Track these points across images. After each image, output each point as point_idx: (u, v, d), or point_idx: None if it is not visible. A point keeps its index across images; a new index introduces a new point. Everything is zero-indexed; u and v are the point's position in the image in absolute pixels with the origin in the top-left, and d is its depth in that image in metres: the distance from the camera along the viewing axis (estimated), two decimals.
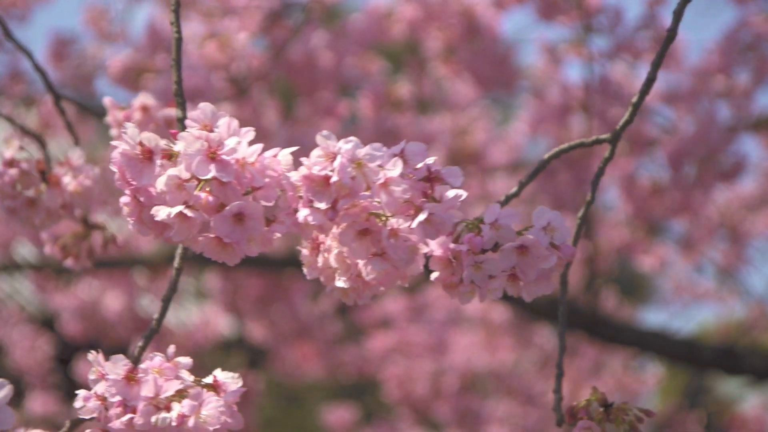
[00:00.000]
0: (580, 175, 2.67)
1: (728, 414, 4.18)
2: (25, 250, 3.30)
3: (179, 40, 1.00)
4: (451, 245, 0.86)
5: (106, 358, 0.85)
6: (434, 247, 0.87)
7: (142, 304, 3.46)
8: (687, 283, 4.04)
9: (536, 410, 3.66)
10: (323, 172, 0.80)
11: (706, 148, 2.48)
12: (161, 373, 0.83)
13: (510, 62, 2.70)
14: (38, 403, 3.49)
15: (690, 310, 4.72)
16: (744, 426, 3.97)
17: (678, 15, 1.02)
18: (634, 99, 1.01)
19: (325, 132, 0.81)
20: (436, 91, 2.84)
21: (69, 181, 1.16)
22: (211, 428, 0.82)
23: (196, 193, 0.79)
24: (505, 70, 2.70)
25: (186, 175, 0.79)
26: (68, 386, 3.60)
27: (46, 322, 3.66)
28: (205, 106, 0.82)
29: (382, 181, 0.80)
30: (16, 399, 3.53)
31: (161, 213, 0.79)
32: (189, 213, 0.79)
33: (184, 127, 0.89)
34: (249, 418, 3.19)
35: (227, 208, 0.79)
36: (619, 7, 2.54)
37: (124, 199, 0.83)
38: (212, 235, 0.81)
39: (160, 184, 0.79)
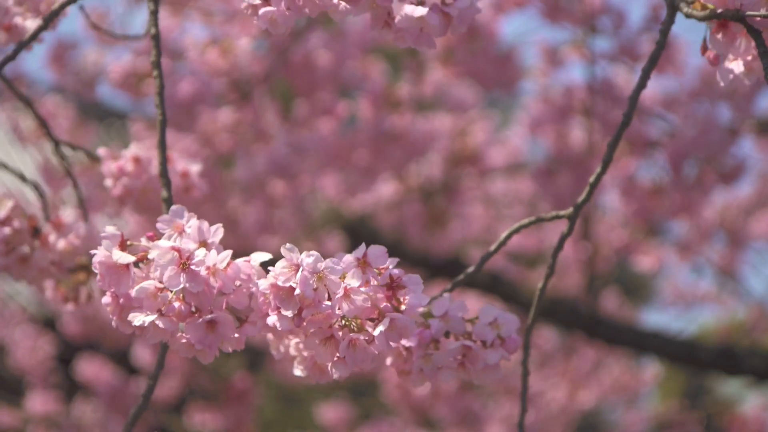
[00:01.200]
0: (581, 177, 2.67)
1: (728, 414, 4.18)
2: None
3: (164, 121, 1.06)
4: (403, 341, 0.93)
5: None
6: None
7: None
8: (687, 285, 4.04)
9: (536, 410, 3.66)
10: (288, 284, 0.86)
11: (707, 150, 2.48)
12: None
13: (510, 64, 2.70)
14: (39, 402, 3.50)
15: (690, 312, 4.72)
16: (744, 426, 3.97)
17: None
18: (597, 171, 1.04)
19: (288, 245, 0.87)
20: (435, 92, 2.84)
21: (56, 240, 1.20)
22: None
23: (169, 301, 0.85)
24: (505, 72, 2.70)
25: (159, 285, 0.86)
26: (69, 386, 3.61)
27: (48, 323, 3.67)
28: (176, 209, 0.88)
29: (341, 294, 0.86)
30: (17, 398, 3.54)
31: (136, 321, 0.86)
32: (161, 324, 0.85)
33: (164, 175, 1.02)
34: (248, 420, 3.20)
35: (199, 320, 0.86)
36: (622, 9, 2.54)
37: (106, 300, 0.89)
38: (184, 341, 0.87)
39: (135, 292, 0.86)
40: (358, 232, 3.12)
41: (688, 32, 2.70)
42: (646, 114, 2.63)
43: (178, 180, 1.30)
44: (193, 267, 0.84)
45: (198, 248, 0.86)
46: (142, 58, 2.37)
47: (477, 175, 3.07)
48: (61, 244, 1.19)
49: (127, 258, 0.87)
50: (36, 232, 1.19)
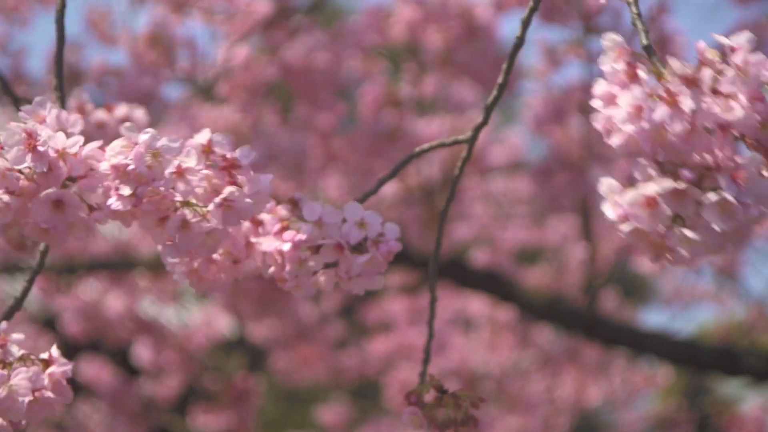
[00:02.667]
0: (578, 177, 2.67)
1: (728, 414, 4.18)
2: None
3: (62, 40, 1.06)
4: (276, 243, 0.91)
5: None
6: (265, 244, 0.93)
7: (143, 306, 3.47)
8: (686, 285, 4.05)
9: (536, 410, 3.67)
10: (124, 161, 0.85)
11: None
12: None
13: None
14: None
15: (689, 312, 4.71)
16: (744, 426, 3.98)
17: (525, 24, 1.04)
18: (489, 101, 1.06)
19: (128, 124, 0.86)
20: (435, 92, 2.84)
21: None
22: (22, 398, 0.87)
23: (14, 179, 0.85)
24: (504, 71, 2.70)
25: (9, 165, 0.85)
26: (70, 386, 3.61)
27: (48, 323, 3.67)
28: (39, 100, 0.88)
29: (174, 170, 0.85)
30: None
31: None
32: (5, 198, 0.84)
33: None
34: (249, 420, 3.20)
35: (42, 194, 0.85)
36: (619, 8, 2.54)
37: None
38: (32, 221, 0.87)
39: None
40: None
41: (688, 32, 2.70)
42: None
43: None
44: (39, 147, 0.84)
45: (50, 130, 0.86)
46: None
47: (477, 174, 3.07)
48: None
49: None
50: None
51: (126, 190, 0.85)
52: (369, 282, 0.93)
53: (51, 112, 0.87)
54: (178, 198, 0.86)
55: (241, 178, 0.87)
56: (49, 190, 0.85)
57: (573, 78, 2.79)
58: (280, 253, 0.91)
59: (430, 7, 2.62)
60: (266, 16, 2.49)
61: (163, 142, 0.85)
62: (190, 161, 0.85)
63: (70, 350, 3.58)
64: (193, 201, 0.87)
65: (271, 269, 0.93)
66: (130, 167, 0.84)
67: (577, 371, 3.66)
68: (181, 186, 0.85)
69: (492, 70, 2.69)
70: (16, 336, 0.91)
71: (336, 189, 3.00)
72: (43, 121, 0.87)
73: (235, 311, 3.30)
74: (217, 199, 0.85)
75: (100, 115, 1.28)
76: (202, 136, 0.87)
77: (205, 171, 0.85)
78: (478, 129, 1.06)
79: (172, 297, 3.47)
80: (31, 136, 0.85)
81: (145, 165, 0.84)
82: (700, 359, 2.78)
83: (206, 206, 0.86)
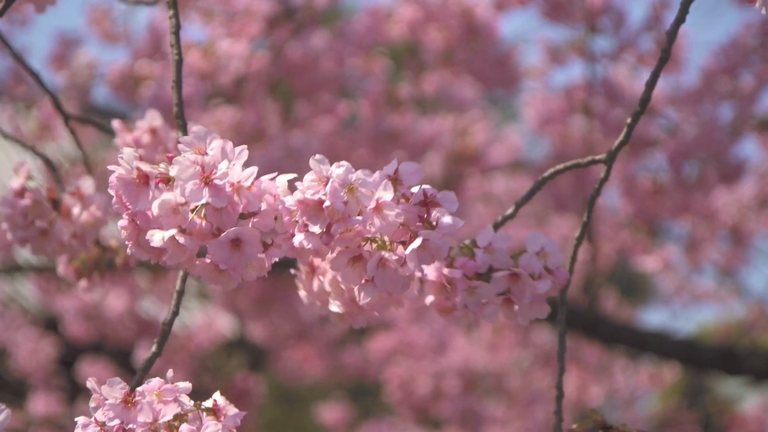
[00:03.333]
0: (581, 177, 2.67)
1: (728, 414, 4.18)
2: (26, 253, 3.31)
3: (179, 63, 0.99)
4: (445, 270, 0.86)
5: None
6: (428, 271, 0.87)
7: (144, 306, 3.46)
8: (687, 284, 4.04)
9: (536, 410, 3.66)
10: (316, 197, 0.80)
11: (708, 149, 2.48)
12: (160, 396, 0.82)
13: (511, 63, 2.70)
14: (41, 404, 3.49)
15: (690, 311, 4.71)
16: (744, 426, 3.97)
17: (672, 36, 1.02)
18: (629, 120, 1.01)
19: (318, 156, 0.81)
20: (436, 92, 2.84)
21: (79, 212, 1.14)
22: None
23: (191, 218, 0.79)
24: (505, 71, 2.70)
25: (181, 200, 0.79)
26: (71, 388, 3.61)
27: (49, 324, 3.66)
28: (198, 130, 0.82)
29: (374, 206, 0.80)
30: (20, 400, 3.53)
31: (155, 237, 0.79)
32: (180, 239, 0.79)
33: None
34: (250, 420, 3.20)
35: (224, 234, 0.79)
36: (622, 8, 2.54)
37: (122, 223, 0.83)
38: (208, 261, 0.81)
39: (155, 208, 0.79)
40: None
41: (693, 33, 2.69)
42: (648, 113, 2.63)
43: None
44: (216, 181, 0.78)
45: (222, 161, 0.79)
46: (141, 58, 2.37)
47: (478, 173, 3.07)
48: (84, 216, 1.13)
49: (148, 167, 0.80)
50: (55, 203, 1.13)
51: (317, 228, 0.79)
52: (539, 311, 0.89)
53: (215, 142, 0.80)
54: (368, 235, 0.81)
55: (433, 214, 0.82)
56: (232, 230, 0.79)
57: (575, 77, 2.79)
58: (450, 281, 0.86)
59: (430, 7, 2.61)
60: (268, 16, 2.48)
61: (357, 175, 0.80)
62: (387, 195, 0.80)
63: (71, 351, 3.59)
64: (378, 237, 0.81)
65: (430, 299, 0.88)
66: (326, 204, 0.79)
67: (579, 371, 3.66)
68: (377, 222, 0.80)
69: (493, 68, 2.69)
70: (183, 385, 0.83)
71: None
72: (204, 154, 0.80)
73: (236, 311, 3.30)
74: (416, 243, 0.80)
75: (153, 121, 1.21)
76: (390, 168, 0.81)
77: (399, 207, 0.80)
78: (617, 149, 1.01)
79: (173, 297, 3.46)
80: (205, 169, 0.79)
81: (342, 201, 0.79)
82: (701, 358, 2.78)
83: (391, 242, 0.81)
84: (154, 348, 0.94)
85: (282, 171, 0.84)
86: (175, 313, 0.95)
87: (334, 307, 0.87)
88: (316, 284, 0.89)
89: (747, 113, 2.63)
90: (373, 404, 4.08)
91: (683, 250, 3.48)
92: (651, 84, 1.00)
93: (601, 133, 2.61)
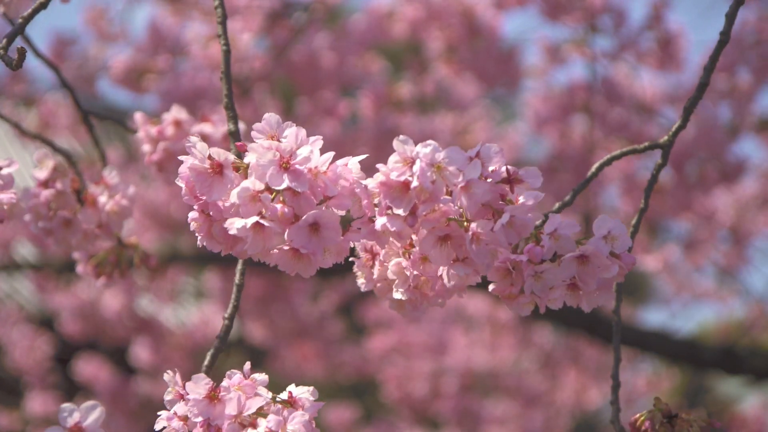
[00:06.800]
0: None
1: (728, 414, 4.18)
2: (24, 250, 3.30)
3: (228, 53, 0.98)
4: (511, 255, 0.83)
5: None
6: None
7: (141, 304, 3.46)
8: (687, 283, 4.04)
9: (537, 410, 3.66)
10: (402, 178, 0.78)
11: (708, 149, 2.48)
12: (242, 390, 0.82)
13: (512, 62, 2.69)
14: (38, 403, 3.49)
15: (690, 310, 4.71)
16: (744, 426, 3.97)
17: (731, 18, 1.00)
18: (687, 104, 0.99)
19: (402, 137, 0.79)
20: (437, 90, 2.83)
21: (106, 201, 1.13)
22: None
23: (271, 204, 0.78)
24: (506, 70, 2.70)
25: (260, 187, 0.78)
26: (68, 386, 3.60)
27: (46, 322, 3.66)
28: (269, 117, 0.80)
29: (463, 184, 0.78)
30: (16, 399, 3.51)
31: (236, 224, 0.78)
32: (266, 223, 0.77)
33: (237, 140, 0.90)
34: None
35: (304, 217, 0.78)
36: (623, 7, 2.53)
37: (193, 215, 0.82)
38: (287, 247, 0.79)
39: (234, 196, 0.78)
40: None
41: (690, 32, 2.69)
42: (648, 112, 2.63)
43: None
44: (296, 166, 0.77)
45: (299, 147, 0.79)
46: (142, 54, 2.37)
47: None
48: (110, 204, 1.12)
49: (223, 156, 0.79)
50: (79, 194, 1.12)
51: (401, 210, 0.78)
52: (606, 295, 0.87)
53: (290, 129, 0.80)
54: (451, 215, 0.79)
55: (516, 192, 0.80)
56: (311, 213, 0.78)
57: (576, 76, 2.78)
58: (515, 266, 0.84)
59: (432, 6, 2.61)
60: (269, 13, 2.48)
61: (445, 153, 0.78)
62: (475, 174, 0.78)
63: (68, 349, 3.58)
64: (462, 217, 0.80)
65: (493, 286, 0.85)
66: (414, 184, 0.77)
67: (578, 372, 3.66)
68: (464, 200, 0.78)
69: (494, 67, 2.68)
70: (260, 377, 0.83)
71: None
72: (277, 140, 0.79)
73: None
74: (504, 219, 0.78)
75: (205, 128, 1.21)
76: (473, 151, 0.79)
77: (486, 185, 0.78)
78: (675, 133, 0.99)
79: (170, 296, 3.46)
80: (283, 154, 0.78)
81: (430, 181, 0.77)
82: (701, 358, 2.77)
83: (471, 221, 0.79)
84: (216, 343, 0.93)
85: None
86: (236, 307, 0.95)
87: (398, 294, 0.85)
88: (377, 271, 0.87)
89: (746, 112, 2.62)
90: (372, 403, 4.08)
91: (683, 250, 3.48)
92: (710, 68, 1.00)
93: (601, 132, 2.60)
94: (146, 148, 1.21)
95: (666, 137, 0.99)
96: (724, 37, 1.00)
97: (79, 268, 1.23)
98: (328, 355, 3.56)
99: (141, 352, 3.30)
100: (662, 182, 2.64)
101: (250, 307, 3.15)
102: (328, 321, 3.43)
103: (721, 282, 3.97)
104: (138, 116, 1.22)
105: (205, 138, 1.18)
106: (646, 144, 1.00)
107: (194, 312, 3.80)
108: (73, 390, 3.53)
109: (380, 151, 2.63)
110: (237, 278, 0.95)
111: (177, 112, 1.20)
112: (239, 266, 0.95)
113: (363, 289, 0.88)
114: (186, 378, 0.83)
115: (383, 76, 2.72)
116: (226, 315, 0.93)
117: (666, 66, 2.58)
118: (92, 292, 3.22)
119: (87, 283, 3.21)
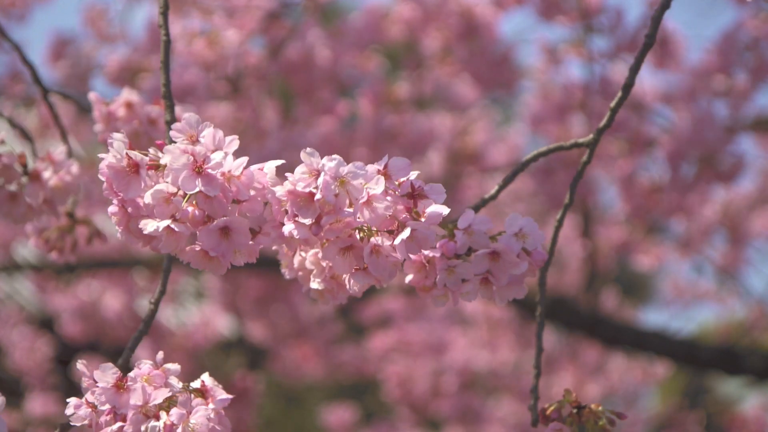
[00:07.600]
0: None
1: (728, 414, 4.17)
2: (25, 251, 3.30)
3: (168, 43, 1.01)
4: (425, 251, 0.87)
5: (101, 362, 0.85)
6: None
7: (142, 305, 3.46)
8: (687, 284, 4.04)
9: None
10: (307, 189, 0.82)
11: (705, 148, 2.48)
12: (150, 380, 0.84)
13: (509, 62, 2.70)
14: (38, 404, 3.49)
15: (690, 311, 4.71)
16: (744, 426, 3.97)
17: (656, 21, 1.02)
18: (612, 104, 1.02)
19: (308, 149, 0.82)
20: (435, 91, 2.84)
21: (49, 176, 1.15)
22: None
23: (183, 206, 0.81)
24: (504, 71, 2.70)
25: (173, 189, 0.81)
26: (68, 387, 3.60)
27: (46, 323, 3.66)
28: (189, 117, 0.83)
29: (365, 199, 0.82)
30: (16, 400, 3.52)
31: (149, 227, 0.81)
32: (176, 228, 0.81)
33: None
34: (249, 419, 3.20)
35: (214, 222, 0.81)
36: (619, 7, 2.54)
37: (112, 209, 0.84)
38: (198, 248, 0.83)
39: (148, 197, 0.81)
40: None
41: (687, 32, 2.70)
42: (645, 111, 2.63)
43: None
44: (209, 170, 0.80)
45: (214, 150, 0.81)
46: (138, 53, 2.37)
47: (477, 173, 3.07)
48: (53, 180, 1.15)
49: (139, 156, 0.81)
50: (25, 169, 1.15)
51: (307, 219, 0.81)
52: (517, 290, 0.90)
53: (207, 130, 0.82)
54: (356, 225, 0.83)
55: (420, 206, 0.84)
56: (221, 219, 0.81)
57: (573, 76, 2.78)
58: (429, 260, 0.88)
59: (429, 6, 2.61)
60: (267, 11, 2.48)
61: (349, 168, 0.82)
62: (378, 189, 0.82)
63: (68, 350, 3.58)
64: (367, 227, 0.84)
65: (409, 278, 0.89)
66: (317, 197, 0.81)
67: (576, 369, 3.66)
68: (366, 213, 0.82)
69: (492, 68, 2.68)
70: (173, 367, 0.86)
71: None
72: (196, 140, 0.82)
73: (235, 310, 3.29)
74: (405, 234, 0.82)
75: (153, 111, 1.23)
76: (381, 163, 0.83)
77: (389, 199, 0.82)
78: (600, 132, 1.02)
79: (171, 296, 3.46)
80: (197, 158, 0.81)
81: (333, 194, 0.81)
82: (701, 358, 2.77)
83: (377, 232, 0.83)
84: (141, 327, 0.98)
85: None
86: (162, 292, 0.99)
87: (314, 284, 0.89)
88: (297, 260, 0.91)
89: (742, 111, 2.63)
90: (372, 403, 4.08)
91: (678, 248, 3.48)
92: (635, 68, 1.02)
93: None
94: (98, 127, 1.24)
95: (591, 135, 1.02)
96: (649, 39, 1.02)
97: (31, 242, 1.26)
98: (328, 355, 3.56)
99: (141, 353, 3.30)
100: (658, 181, 2.65)
101: (250, 307, 3.15)
102: (327, 320, 3.44)
103: (721, 282, 3.97)
104: (92, 96, 1.24)
105: (154, 120, 1.22)
106: (572, 141, 1.03)
107: (194, 312, 3.81)
108: (73, 391, 3.53)
109: (378, 151, 2.64)
110: (165, 263, 1.00)
111: (128, 94, 1.23)
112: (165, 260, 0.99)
113: (287, 276, 0.92)
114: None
115: (381, 74, 2.72)
116: (152, 300, 0.98)
117: (665, 65, 2.59)
118: (92, 293, 3.22)
119: (87, 284, 3.22)
